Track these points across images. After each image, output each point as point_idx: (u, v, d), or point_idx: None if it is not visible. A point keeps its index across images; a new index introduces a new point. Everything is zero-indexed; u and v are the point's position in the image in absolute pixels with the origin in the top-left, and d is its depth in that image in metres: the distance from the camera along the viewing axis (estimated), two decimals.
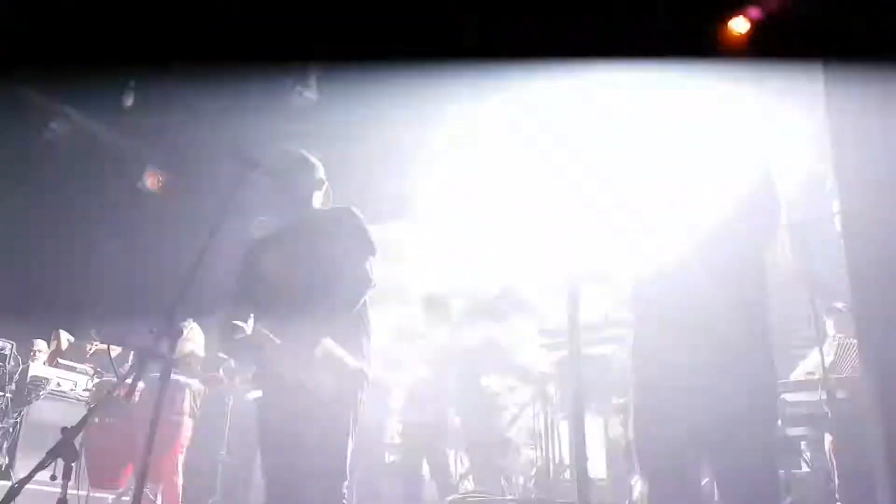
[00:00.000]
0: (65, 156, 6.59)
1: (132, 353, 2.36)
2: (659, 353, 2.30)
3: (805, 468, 4.35)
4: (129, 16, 5.44)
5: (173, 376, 3.67)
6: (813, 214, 4.53)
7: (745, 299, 2.29)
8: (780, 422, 4.20)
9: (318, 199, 3.12)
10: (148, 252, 6.84)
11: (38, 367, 6.62)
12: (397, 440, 6.21)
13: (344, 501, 2.64)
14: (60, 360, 6.78)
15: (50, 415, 6.28)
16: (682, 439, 2.24)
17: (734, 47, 4.45)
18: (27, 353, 6.82)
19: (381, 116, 6.39)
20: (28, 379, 6.43)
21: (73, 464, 2.11)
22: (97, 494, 5.35)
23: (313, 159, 3.18)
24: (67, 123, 6.43)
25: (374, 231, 2.96)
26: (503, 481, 4.49)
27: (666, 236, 2.35)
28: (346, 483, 2.64)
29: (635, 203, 2.47)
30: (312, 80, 6.72)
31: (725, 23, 4.36)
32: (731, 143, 2.39)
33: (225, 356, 3.15)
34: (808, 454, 4.38)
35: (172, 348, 2.40)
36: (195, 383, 5.32)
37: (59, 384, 6.57)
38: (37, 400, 6.47)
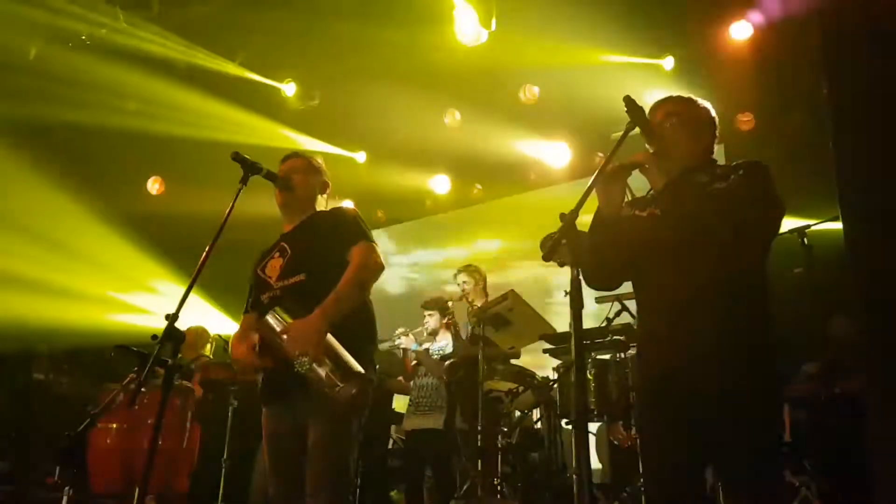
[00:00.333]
0: None
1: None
2: (662, 353, 2.28)
3: None
4: None
5: (176, 381, 3.65)
6: None
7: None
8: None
9: (322, 202, 3.12)
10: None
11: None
12: (400, 445, 6.22)
13: None
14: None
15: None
16: (685, 442, 2.22)
17: None
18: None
19: None
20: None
21: (75, 469, 2.10)
22: (100, 500, 5.34)
23: (317, 162, 3.17)
24: None
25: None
26: (506, 487, 4.47)
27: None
28: (350, 490, 2.64)
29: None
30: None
31: None
32: None
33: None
34: None
35: (175, 353, 2.40)
36: (198, 387, 5.32)
37: None
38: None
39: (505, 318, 4.72)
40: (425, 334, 5.47)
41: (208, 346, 5.95)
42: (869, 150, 2.77)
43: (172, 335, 2.34)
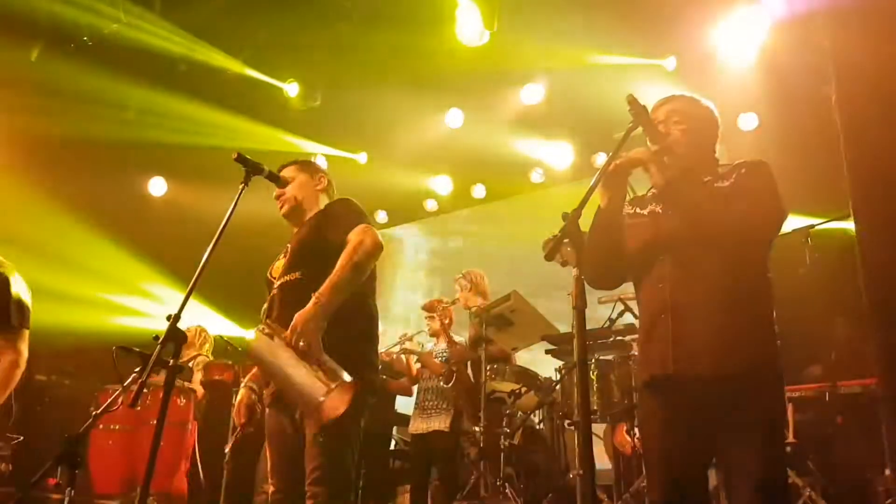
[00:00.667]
0: None
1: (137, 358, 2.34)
2: (663, 350, 2.26)
3: None
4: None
5: (177, 381, 3.65)
6: None
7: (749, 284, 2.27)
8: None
9: (324, 200, 3.11)
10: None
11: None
12: (403, 447, 6.22)
13: None
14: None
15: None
16: (688, 442, 2.22)
17: None
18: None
19: None
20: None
21: (77, 471, 2.10)
22: (101, 501, 5.34)
23: (310, 164, 3.19)
24: None
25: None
26: (509, 488, 4.46)
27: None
28: (351, 487, 2.63)
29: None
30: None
31: None
32: None
33: None
34: None
35: (177, 353, 2.39)
36: (199, 388, 5.32)
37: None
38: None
39: (507, 318, 4.72)
40: (428, 336, 5.47)
41: (207, 345, 5.94)
42: (882, 149, 2.76)
43: (174, 336, 2.33)
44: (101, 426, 4.73)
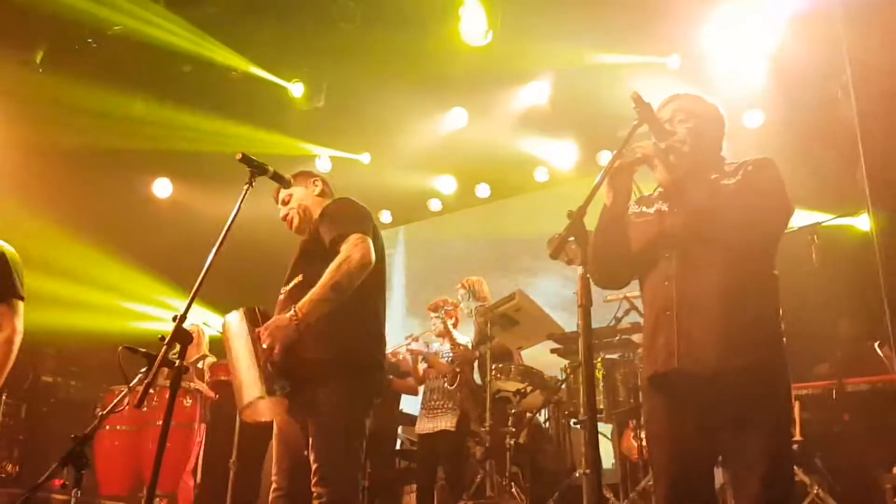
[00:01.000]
0: None
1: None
2: (667, 346, 2.26)
3: None
4: None
5: (183, 382, 3.66)
6: None
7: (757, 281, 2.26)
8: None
9: (324, 203, 3.10)
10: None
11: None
12: (409, 446, 6.22)
13: None
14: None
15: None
16: (693, 439, 2.21)
17: None
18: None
19: None
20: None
21: (83, 471, 2.10)
22: (107, 502, 5.36)
23: (306, 174, 3.18)
24: None
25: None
26: (515, 487, 4.46)
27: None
28: (357, 481, 2.64)
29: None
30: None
31: None
32: None
33: None
34: None
35: (183, 354, 2.40)
36: (205, 388, 5.33)
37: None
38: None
39: (512, 318, 4.71)
40: (433, 336, 5.47)
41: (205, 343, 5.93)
42: None
43: (180, 336, 2.34)
44: (107, 427, 4.75)
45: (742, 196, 2.26)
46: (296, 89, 6.79)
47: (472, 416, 5.05)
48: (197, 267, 2.48)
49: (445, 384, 5.13)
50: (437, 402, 5.24)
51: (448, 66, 6.32)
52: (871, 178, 2.84)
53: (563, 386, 4.60)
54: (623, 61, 6.01)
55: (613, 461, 5.01)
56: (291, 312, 2.60)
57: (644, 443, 4.25)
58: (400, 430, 6.23)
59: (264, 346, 2.56)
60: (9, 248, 3.38)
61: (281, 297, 2.87)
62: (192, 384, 5.21)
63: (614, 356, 4.41)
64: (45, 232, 6.12)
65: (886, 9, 2.81)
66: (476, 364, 5.18)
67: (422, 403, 5.40)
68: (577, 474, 4.22)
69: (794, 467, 3.57)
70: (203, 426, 5.37)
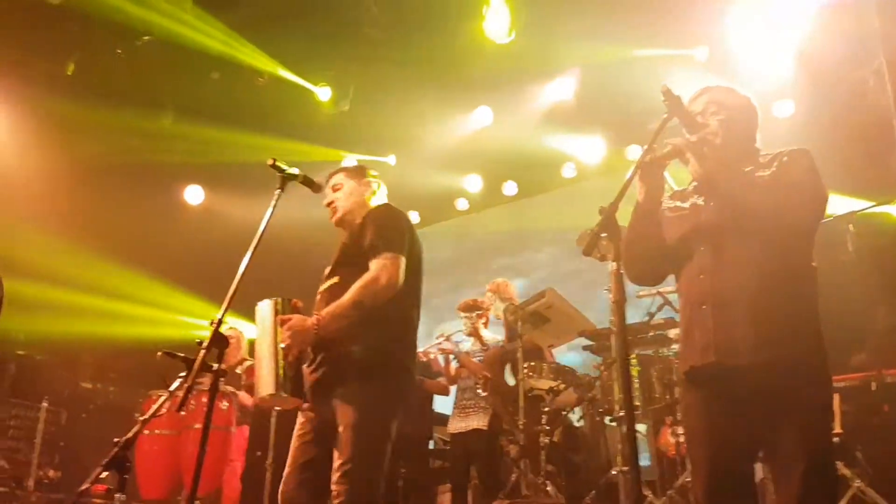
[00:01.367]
0: None
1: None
2: (704, 340, 2.24)
3: None
4: None
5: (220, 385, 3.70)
6: None
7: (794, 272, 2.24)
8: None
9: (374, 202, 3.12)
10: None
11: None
12: (442, 446, 6.23)
13: None
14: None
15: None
16: (732, 434, 2.19)
17: None
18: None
19: None
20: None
21: (126, 476, 2.13)
22: None
23: (354, 170, 3.19)
24: None
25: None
26: (551, 486, 4.45)
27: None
28: (379, 491, 2.63)
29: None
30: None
31: None
32: None
33: None
34: None
35: (220, 357, 2.43)
36: (243, 393, 5.38)
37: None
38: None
39: (543, 315, 4.69)
40: (464, 336, 5.47)
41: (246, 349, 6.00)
42: None
43: (217, 340, 2.37)
44: (145, 431, 4.81)
45: (777, 187, 2.23)
46: (323, 93, 6.83)
47: (503, 414, 5.04)
48: (229, 272, 2.51)
49: (478, 387, 5.12)
50: (469, 402, 5.24)
51: (472, 66, 6.32)
52: None
53: (597, 383, 4.57)
54: (650, 54, 5.96)
55: (649, 458, 4.97)
56: (314, 319, 2.66)
57: (681, 439, 4.21)
58: (434, 430, 6.23)
59: (282, 345, 2.61)
60: None
61: (320, 294, 2.91)
62: (229, 388, 5.26)
63: (648, 352, 4.37)
64: (77, 246, 6.24)
65: None
66: (509, 365, 5.17)
67: (454, 403, 5.41)
68: (614, 472, 4.19)
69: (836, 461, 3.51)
70: (245, 428, 5.43)
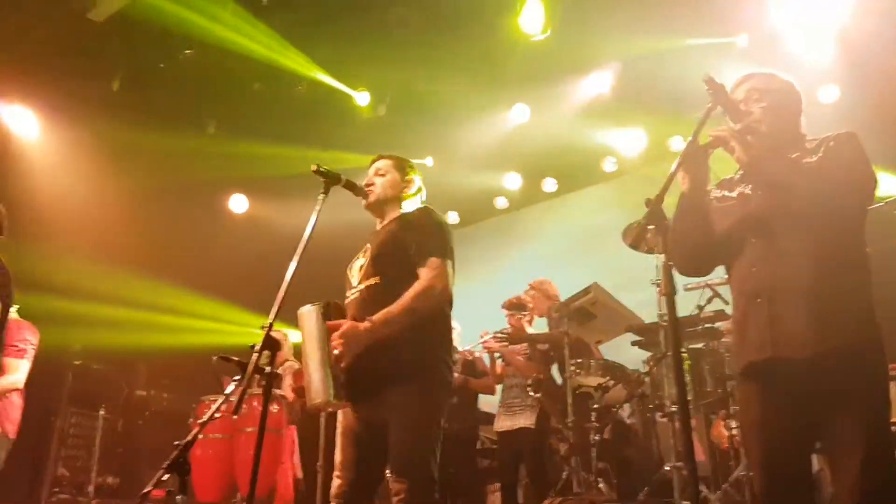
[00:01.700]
0: None
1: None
2: (760, 334, 2.21)
3: None
4: None
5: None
6: None
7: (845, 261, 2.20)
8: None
9: (408, 204, 3.12)
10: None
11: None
12: (489, 445, 6.23)
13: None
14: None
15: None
16: (790, 427, 2.16)
17: None
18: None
19: None
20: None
21: (186, 478, 2.18)
22: None
23: (401, 162, 3.20)
24: None
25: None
26: (603, 483, 4.42)
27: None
28: (435, 484, 2.65)
29: None
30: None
31: None
32: None
33: None
34: None
35: (272, 361, 2.47)
36: (290, 393, 5.45)
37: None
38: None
39: (588, 311, 4.66)
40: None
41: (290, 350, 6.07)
42: None
43: (269, 344, 2.41)
44: (200, 435, 4.91)
45: (825, 173, 2.20)
46: (361, 98, 6.88)
47: (551, 412, 5.02)
48: (275, 279, 2.55)
49: (529, 390, 5.10)
50: (516, 400, 5.23)
51: (507, 63, 6.30)
52: None
53: (647, 379, 4.52)
54: (690, 43, 5.88)
55: (701, 453, 4.90)
56: (367, 324, 2.64)
57: (734, 432, 4.16)
58: (479, 429, 6.22)
59: (336, 351, 2.62)
60: None
61: (354, 294, 2.89)
62: (277, 390, 5.33)
63: (699, 345, 4.31)
64: (127, 265, 6.41)
65: None
66: (556, 363, 5.15)
67: (500, 401, 5.40)
68: (667, 467, 4.15)
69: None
70: (293, 428, 5.50)
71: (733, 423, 4.18)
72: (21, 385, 4.15)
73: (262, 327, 2.44)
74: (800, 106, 2.44)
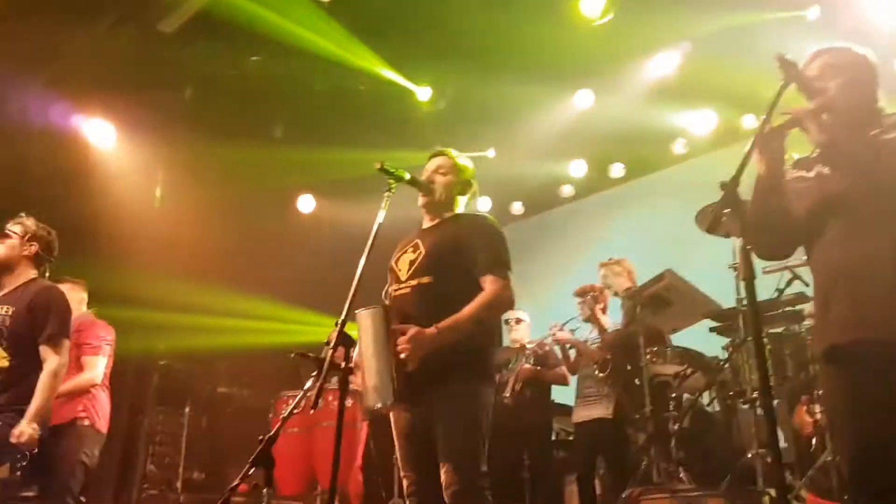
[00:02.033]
0: None
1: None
2: (843, 316, 2.15)
3: None
4: None
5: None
6: None
7: None
8: None
9: (462, 203, 3.14)
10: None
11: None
12: (564, 437, 6.19)
13: (486, 494, 2.68)
14: None
15: None
16: (876, 411, 2.08)
17: None
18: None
19: None
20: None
21: (271, 471, 2.26)
22: (286, 502, 5.71)
23: (462, 163, 3.19)
24: None
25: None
26: (683, 472, 4.34)
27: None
28: (485, 482, 2.69)
29: None
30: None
31: None
32: None
33: None
34: None
35: (347, 356, 2.52)
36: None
37: None
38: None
39: (663, 298, 4.57)
40: (581, 322, 5.40)
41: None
42: None
43: (344, 340, 2.46)
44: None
45: None
46: (422, 93, 6.89)
47: (626, 402, 4.95)
48: (343, 279, 2.60)
49: (597, 371, 5.06)
50: (591, 390, 5.18)
51: (568, 48, 6.19)
52: None
53: (726, 366, 4.41)
54: (758, 18, 5.68)
55: (784, 439, 4.75)
56: (434, 330, 2.69)
57: (818, 417, 4.04)
58: (553, 421, 6.19)
59: (403, 356, 2.65)
60: (51, 289, 3.60)
61: (403, 289, 2.91)
62: (353, 385, 5.43)
63: (779, 330, 4.19)
64: (201, 271, 6.61)
65: None
66: (626, 350, 5.06)
67: (576, 392, 5.36)
68: (750, 455, 4.05)
69: None
70: (364, 424, 5.59)
71: (817, 408, 4.07)
72: (98, 380, 4.31)
73: (337, 323, 2.49)
74: (876, 79, 2.35)
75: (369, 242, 2.68)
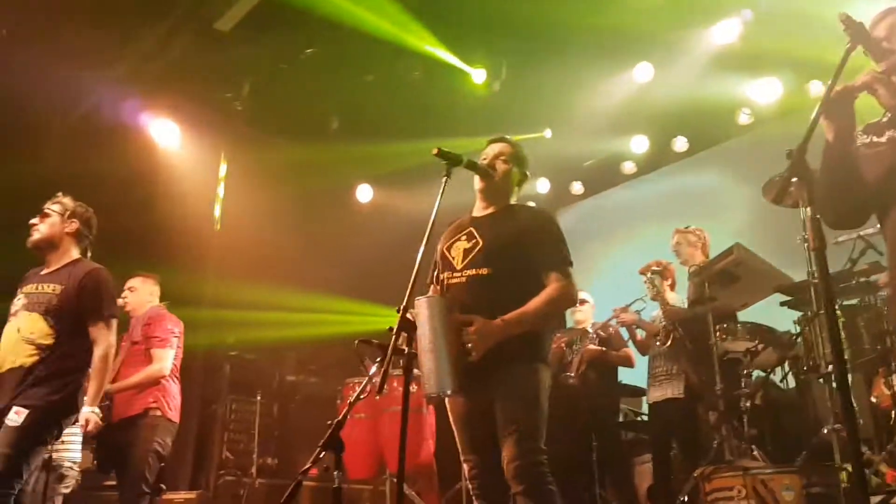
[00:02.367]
0: None
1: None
2: None
3: None
4: None
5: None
6: None
7: None
8: None
9: (515, 196, 3.14)
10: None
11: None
12: (633, 418, 6.13)
13: (546, 469, 2.69)
14: None
15: None
16: None
17: None
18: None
19: None
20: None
21: (341, 455, 2.31)
22: (355, 486, 5.82)
23: (522, 152, 3.17)
24: None
25: None
26: (757, 450, 4.24)
27: None
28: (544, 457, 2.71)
29: None
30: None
31: None
32: None
33: None
34: None
35: (410, 341, 2.55)
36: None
37: None
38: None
39: (732, 273, 4.44)
40: (646, 301, 5.32)
41: None
42: None
43: (405, 326, 2.49)
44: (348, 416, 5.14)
45: None
46: (477, 75, 6.81)
47: (695, 381, 4.86)
48: (403, 267, 2.61)
49: (658, 343, 4.98)
50: (661, 370, 5.11)
51: (626, 21, 6.02)
52: None
53: (799, 340, 4.28)
54: None
55: (861, 414, 4.59)
56: (500, 322, 2.71)
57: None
58: (620, 402, 6.13)
59: (469, 345, 2.66)
60: (100, 270, 3.66)
61: (458, 277, 2.93)
62: (416, 371, 5.48)
63: (854, 301, 4.04)
64: (267, 269, 6.75)
65: None
66: (693, 326, 4.95)
67: (648, 373, 5.29)
68: (825, 431, 3.93)
69: None
70: (430, 408, 5.64)
71: (894, 380, 3.91)
72: (166, 372, 4.41)
73: (398, 310, 2.52)
74: None
75: (428, 230, 2.68)
